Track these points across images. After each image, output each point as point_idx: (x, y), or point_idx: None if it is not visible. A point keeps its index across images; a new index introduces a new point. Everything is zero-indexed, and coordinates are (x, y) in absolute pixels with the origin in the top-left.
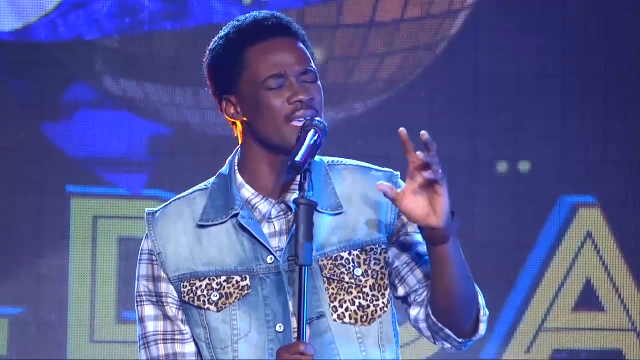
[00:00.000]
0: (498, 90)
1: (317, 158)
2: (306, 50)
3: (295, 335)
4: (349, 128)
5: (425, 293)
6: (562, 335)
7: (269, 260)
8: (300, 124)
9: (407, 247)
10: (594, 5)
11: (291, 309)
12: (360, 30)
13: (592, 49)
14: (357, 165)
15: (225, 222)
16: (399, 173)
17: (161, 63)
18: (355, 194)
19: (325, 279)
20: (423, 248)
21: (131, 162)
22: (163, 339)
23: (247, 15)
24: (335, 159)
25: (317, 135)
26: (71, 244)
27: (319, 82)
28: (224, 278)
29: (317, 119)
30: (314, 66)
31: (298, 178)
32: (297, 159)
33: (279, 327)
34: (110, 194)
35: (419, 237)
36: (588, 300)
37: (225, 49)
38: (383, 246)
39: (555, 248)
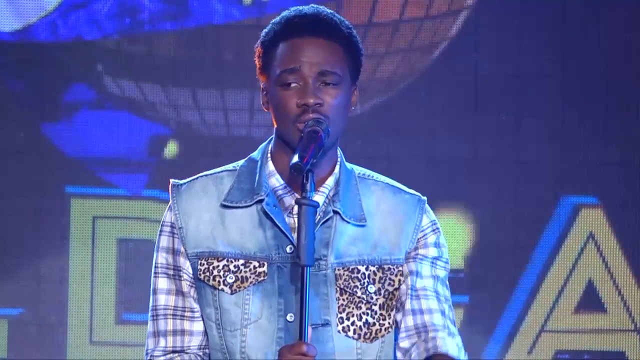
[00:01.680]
0: (498, 90)
1: (349, 166)
2: (339, 52)
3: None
4: (349, 128)
5: (415, 340)
6: (564, 336)
7: (288, 250)
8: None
9: (412, 272)
10: (594, 5)
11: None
12: (358, 30)
13: (592, 49)
14: (387, 183)
15: (250, 206)
16: (425, 198)
17: (161, 63)
18: (381, 211)
19: (338, 289)
20: (423, 282)
21: (131, 162)
22: (172, 314)
23: (299, 7)
24: (367, 172)
25: (319, 135)
26: (70, 245)
27: (339, 86)
28: (242, 261)
29: (321, 119)
30: (337, 69)
31: (328, 180)
32: (298, 160)
33: (290, 317)
34: (109, 195)
35: (422, 267)
36: (590, 301)
37: (266, 39)
38: (400, 268)
39: (557, 249)
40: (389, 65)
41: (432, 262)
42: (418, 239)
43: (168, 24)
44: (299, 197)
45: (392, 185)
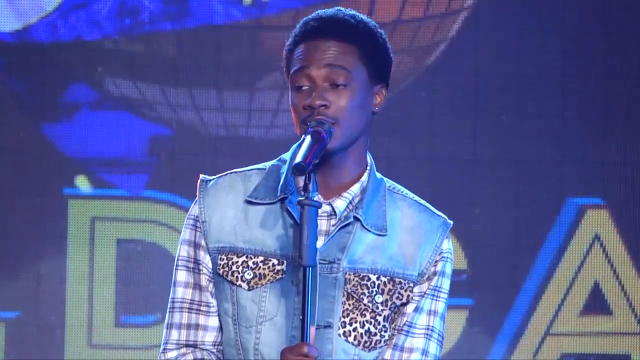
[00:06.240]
0: (498, 90)
1: (379, 176)
2: (354, 53)
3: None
4: None
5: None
6: (570, 339)
7: None
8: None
9: (415, 309)
10: (594, 5)
11: (317, 302)
12: None
13: (591, 49)
14: (416, 200)
15: (274, 203)
16: (451, 223)
17: (161, 64)
18: (404, 227)
19: (346, 293)
20: (419, 318)
21: (131, 163)
22: (188, 308)
23: (322, 10)
24: (399, 187)
25: (321, 136)
26: (70, 245)
27: (351, 87)
28: (261, 258)
29: (323, 120)
30: (348, 69)
31: (354, 186)
32: (300, 160)
33: None
34: (108, 195)
35: (424, 301)
36: (596, 303)
37: (289, 42)
38: (411, 284)
39: (562, 250)
40: None
41: (434, 294)
42: (435, 261)
43: (168, 24)
44: (322, 199)
45: (420, 204)
